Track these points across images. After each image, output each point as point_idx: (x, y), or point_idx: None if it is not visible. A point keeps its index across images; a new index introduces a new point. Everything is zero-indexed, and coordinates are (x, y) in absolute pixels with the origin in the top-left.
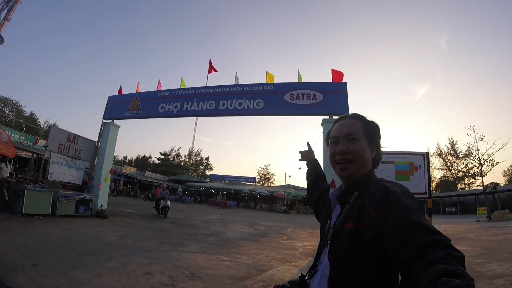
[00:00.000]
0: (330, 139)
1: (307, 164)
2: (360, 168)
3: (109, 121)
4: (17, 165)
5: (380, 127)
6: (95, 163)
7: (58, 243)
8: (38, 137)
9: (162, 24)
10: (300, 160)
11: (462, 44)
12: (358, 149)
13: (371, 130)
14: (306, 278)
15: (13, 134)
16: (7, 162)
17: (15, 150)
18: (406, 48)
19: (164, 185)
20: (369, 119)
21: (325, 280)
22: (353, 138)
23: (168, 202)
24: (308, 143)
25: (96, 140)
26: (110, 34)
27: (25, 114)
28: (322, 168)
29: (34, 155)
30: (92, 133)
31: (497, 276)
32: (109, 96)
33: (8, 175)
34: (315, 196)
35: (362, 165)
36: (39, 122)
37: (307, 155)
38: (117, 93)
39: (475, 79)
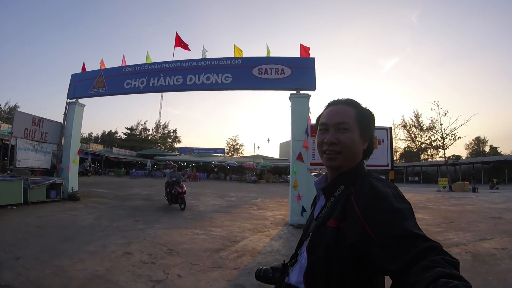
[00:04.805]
0: (319, 125)
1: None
2: (349, 160)
3: (74, 100)
4: None
5: (374, 116)
6: (62, 145)
7: (36, 232)
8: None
9: None
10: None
11: (432, 22)
12: (348, 141)
13: (365, 120)
14: (287, 265)
15: None
16: None
17: None
18: (376, 22)
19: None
20: (364, 107)
21: (303, 271)
22: (344, 128)
23: (184, 187)
24: None
25: (62, 121)
26: (70, 7)
27: None
28: (290, 142)
29: None
30: (57, 114)
31: (453, 245)
32: (72, 74)
33: None
34: None
35: (351, 157)
36: None
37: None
38: (80, 71)
39: (443, 56)
